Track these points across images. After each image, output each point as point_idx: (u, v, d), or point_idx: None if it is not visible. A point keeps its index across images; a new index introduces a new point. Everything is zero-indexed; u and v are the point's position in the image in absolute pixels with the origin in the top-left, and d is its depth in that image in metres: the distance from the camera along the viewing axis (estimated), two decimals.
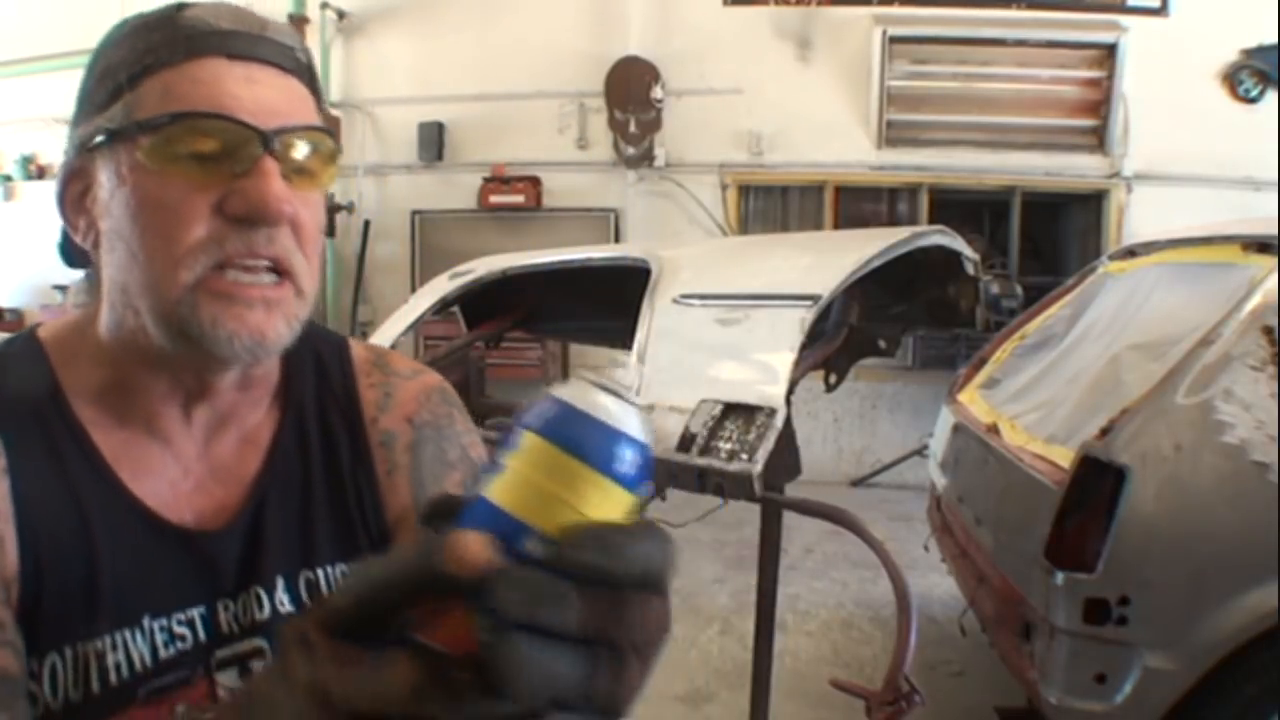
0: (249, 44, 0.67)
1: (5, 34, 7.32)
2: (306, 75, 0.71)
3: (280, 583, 0.75)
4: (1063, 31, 6.36)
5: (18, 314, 7.36)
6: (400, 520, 0.81)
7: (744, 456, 1.84)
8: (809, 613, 4.01)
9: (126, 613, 0.68)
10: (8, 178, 7.68)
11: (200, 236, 0.64)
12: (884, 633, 3.74)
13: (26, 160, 7.60)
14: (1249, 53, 6.25)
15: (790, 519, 2.64)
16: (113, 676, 0.66)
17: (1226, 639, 2.05)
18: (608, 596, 0.37)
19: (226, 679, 0.72)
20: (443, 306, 2.88)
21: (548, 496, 0.38)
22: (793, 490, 2.17)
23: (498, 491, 0.38)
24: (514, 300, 3.12)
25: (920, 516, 3.92)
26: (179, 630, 0.70)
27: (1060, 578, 2.12)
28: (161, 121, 0.64)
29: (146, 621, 0.69)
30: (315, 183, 0.70)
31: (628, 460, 0.39)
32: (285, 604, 0.75)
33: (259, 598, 0.74)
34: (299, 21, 6.60)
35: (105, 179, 0.67)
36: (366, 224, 6.96)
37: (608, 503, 0.38)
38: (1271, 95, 6.23)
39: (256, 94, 0.66)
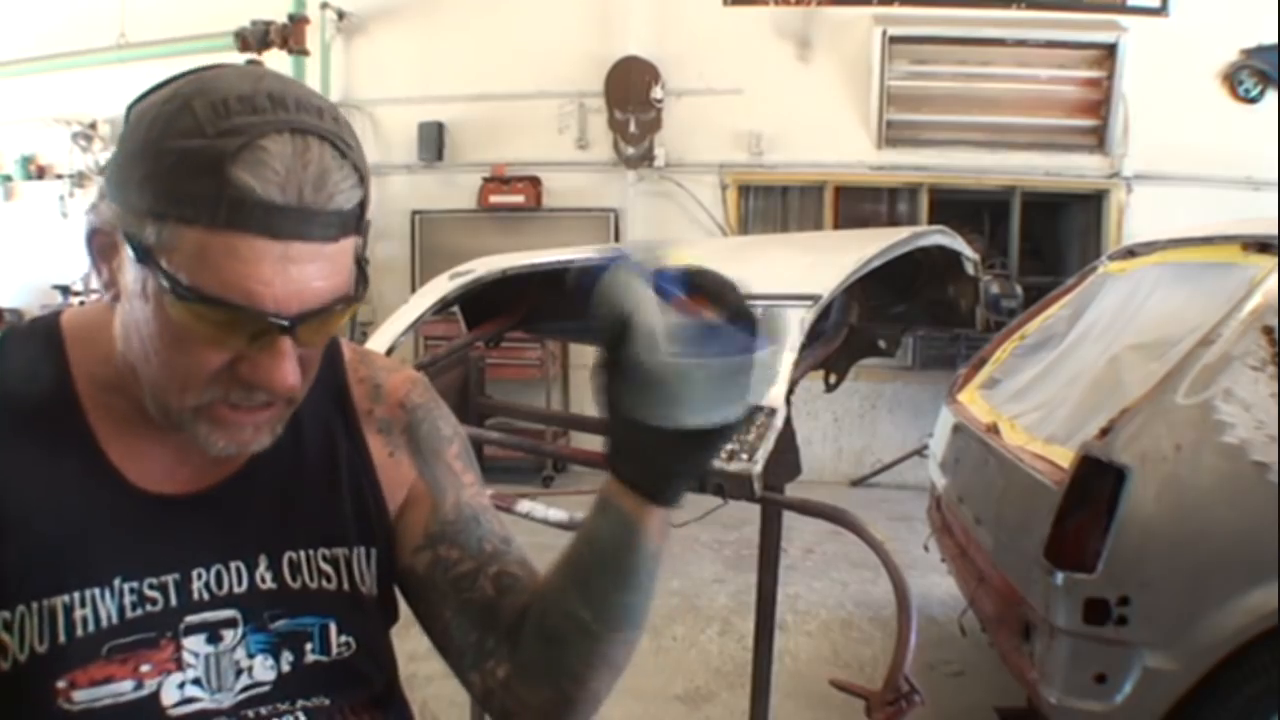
0: (296, 223, 0.64)
1: (5, 34, 7.32)
2: (354, 220, 0.69)
3: (263, 559, 0.78)
4: (1063, 31, 6.35)
5: (18, 314, 7.35)
6: (411, 495, 0.86)
7: (744, 456, 1.84)
8: (809, 613, 4.01)
9: (97, 572, 0.72)
10: (8, 178, 7.68)
11: (208, 382, 0.69)
12: (884, 633, 3.73)
13: (26, 160, 7.60)
14: (1249, 53, 6.25)
15: (790, 519, 2.64)
16: (79, 630, 0.70)
17: (1226, 639, 2.05)
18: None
19: (193, 644, 0.74)
20: (443, 306, 2.88)
21: (680, 259, 0.70)
22: (793, 490, 2.16)
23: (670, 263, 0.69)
24: (514, 300, 3.12)
25: (920, 516, 3.92)
26: (150, 594, 0.73)
27: (1060, 578, 2.12)
28: (187, 295, 0.64)
29: (118, 582, 0.72)
30: (333, 332, 0.73)
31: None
32: (267, 580, 0.78)
33: (238, 571, 0.77)
34: (299, 21, 6.60)
35: (130, 271, 0.68)
36: (367, 224, 6.95)
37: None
38: (1271, 95, 6.23)
39: (290, 277, 0.65)
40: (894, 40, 6.44)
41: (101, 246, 0.70)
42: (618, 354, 0.66)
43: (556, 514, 2.16)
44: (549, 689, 0.80)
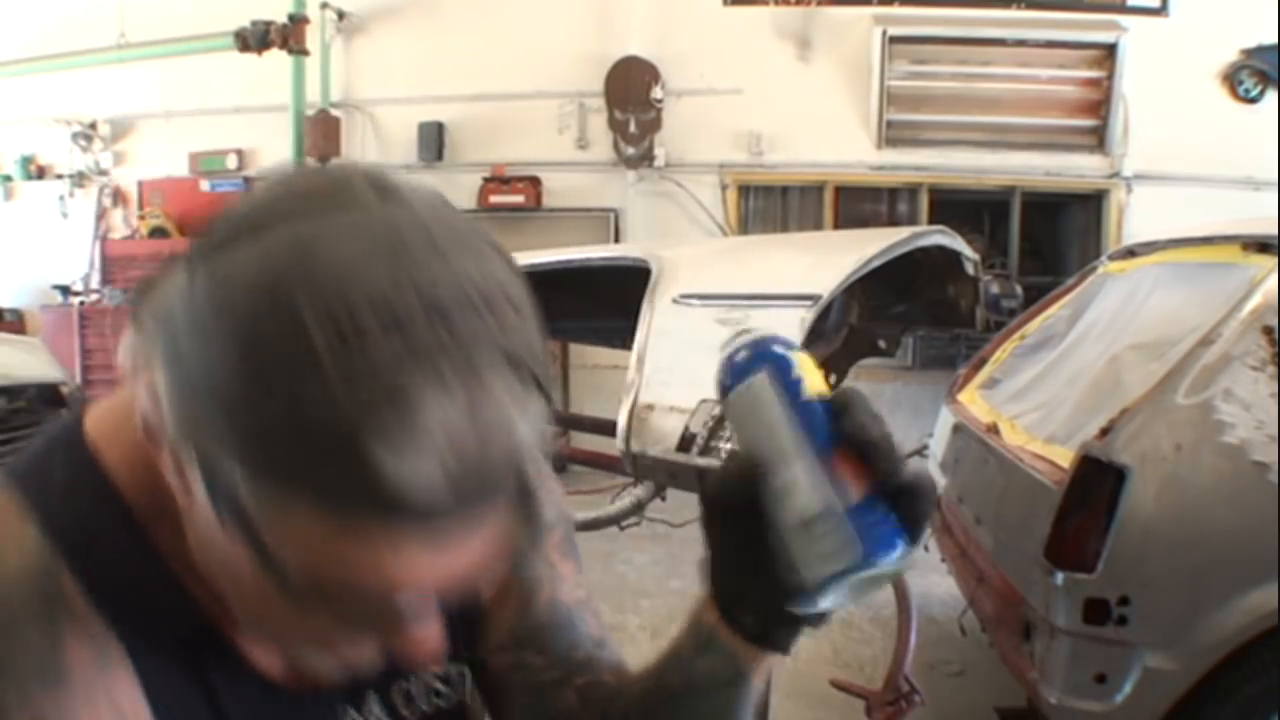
0: (461, 523, 0.47)
1: (5, 34, 7.32)
2: (510, 491, 0.50)
3: (373, 698, 0.69)
4: (1063, 31, 6.36)
5: (18, 314, 7.36)
6: (502, 592, 0.74)
7: None
8: None
9: None
10: (8, 178, 7.68)
11: (315, 649, 0.57)
12: (884, 633, 3.73)
13: (26, 160, 7.60)
14: (1249, 53, 6.25)
15: None
16: None
17: (1226, 639, 2.05)
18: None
19: None
20: None
21: (815, 382, 0.56)
22: None
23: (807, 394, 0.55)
24: None
25: None
26: None
27: (1060, 578, 2.11)
28: (299, 590, 0.47)
29: None
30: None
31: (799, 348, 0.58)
32: (379, 716, 0.69)
33: (347, 716, 0.68)
34: (299, 21, 6.60)
35: (202, 492, 0.48)
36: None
37: (814, 368, 0.57)
38: (1271, 95, 6.23)
39: (436, 573, 0.48)
40: (894, 40, 6.44)
41: (155, 435, 0.50)
42: (744, 499, 0.56)
43: None
44: None
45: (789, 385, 0.55)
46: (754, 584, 0.60)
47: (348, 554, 0.45)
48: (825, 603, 0.58)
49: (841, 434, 0.54)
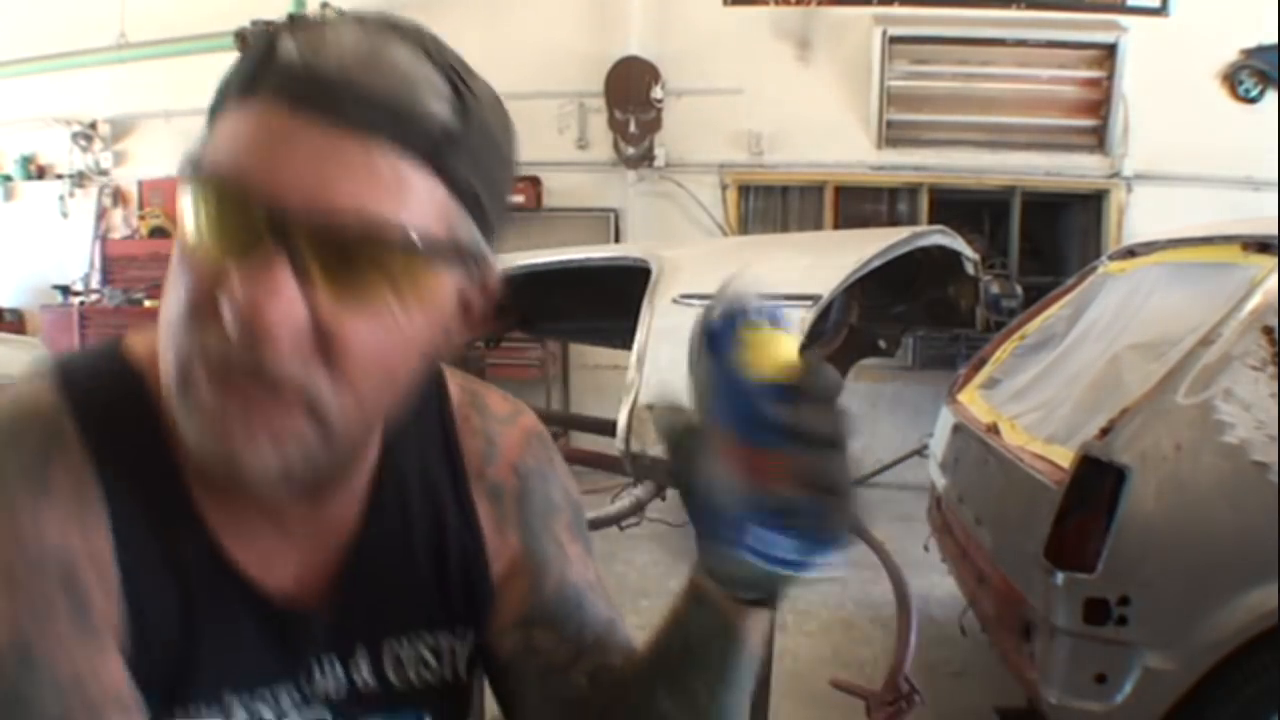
0: (323, 91, 0.50)
1: (5, 34, 7.32)
2: (423, 139, 0.52)
3: (362, 652, 0.68)
4: (1063, 31, 6.35)
5: (18, 314, 7.36)
6: (509, 569, 0.74)
7: None
8: (809, 613, 4.01)
9: (219, 690, 0.62)
10: (8, 178, 7.68)
11: (190, 319, 0.53)
12: (884, 633, 3.73)
13: (26, 160, 7.60)
14: (1249, 53, 6.25)
15: None
16: None
17: (1226, 639, 2.05)
18: (831, 403, 0.53)
19: None
20: None
21: (766, 360, 0.53)
22: None
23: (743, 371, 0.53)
24: (514, 300, 3.12)
25: (920, 516, 3.91)
26: (259, 708, 0.63)
27: (1060, 578, 2.12)
28: (186, 175, 0.53)
29: (230, 699, 0.62)
30: (378, 291, 0.53)
31: (781, 319, 0.54)
32: (365, 675, 0.68)
33: (334, 667, 0.67)
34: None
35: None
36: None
37: (791, 348, 0.54)
38: (1271, 95, 6.23)
39: (298, 163, 0.50)
40: (894, 40, 6.44)
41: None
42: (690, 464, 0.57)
43: None
44: None
45: (728, 367, 0.53)
46: (725, 573, 0.61)
47: (229, 132, 0.52)
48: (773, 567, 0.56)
49: (767, 421, 0.53)
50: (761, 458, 0.53)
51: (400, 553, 0.70)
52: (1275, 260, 2.25)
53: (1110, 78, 6.34)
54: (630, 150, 6.71)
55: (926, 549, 3.46)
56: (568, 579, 0.75)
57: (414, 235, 0.52)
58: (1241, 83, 6.30)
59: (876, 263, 2.18)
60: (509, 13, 6.72)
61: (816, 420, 0.53)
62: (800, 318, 2.02)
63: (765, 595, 0.63)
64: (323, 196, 0.50)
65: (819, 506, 0.54)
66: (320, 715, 0.66)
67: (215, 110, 0.54)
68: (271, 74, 0.51)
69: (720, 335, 0.53)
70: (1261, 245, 2.38)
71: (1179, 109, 6.16)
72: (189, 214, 0.52)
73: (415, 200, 0.52)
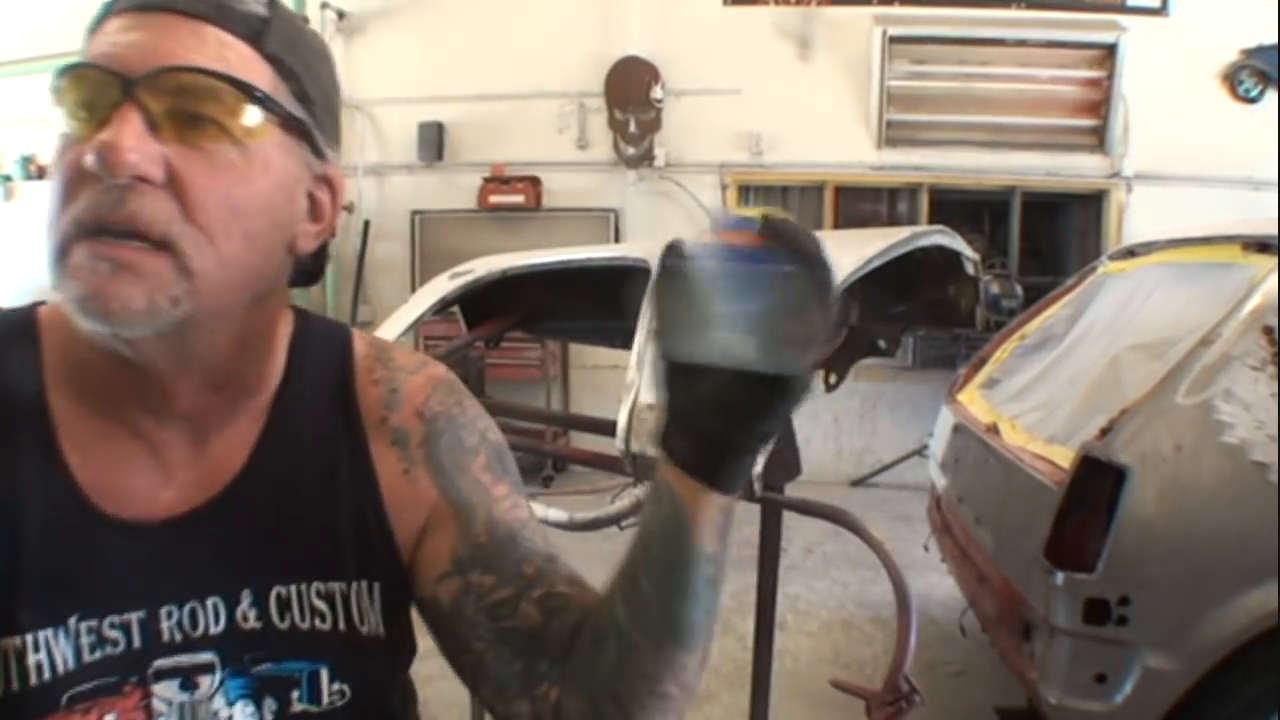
0: (150, 15, 0.62)
1: (5, 34, 7.32)
2: (245, 25, 0.64)
3: (247, 595, 0.68)
4: (1063, 31, 6.35)
5: None
6: (432, 517, 0.75)
7: None
8: (809, 613, 4.01)
9: (54, 610, 0.63)
10: (8, 178, 7.68)
11: (65, 199, 0.60)
12: (884, 633, 3.73)
13: (26, 160, 7.60)
14: (1249, 53, 6.25)
15: (790, 519, 2.63)
16: (33, 677, 0.62)
17: (1226, 639, 2.05)
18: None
19: (165, 690, 0.65)
20: (443, 306, 2.88)
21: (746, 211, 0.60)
22: (793, 490, 2.17)
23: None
24: (514, 300, 3.12)
25: (920, 516, 3.92)
26: (110, 634, 0.64)
27: (1060, 578, 2.11)
28: (54, 75, 0.61)
29: (74, 622, 0.63)
30: (222, 139, 0.62)
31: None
32: (250, 618, 0.68)
33: (216, 608, 0.67)
34: None
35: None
36: (366, 224, 6.96)
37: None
38: (1271, 95, 6.23)
39: (141, 41, 0.61)
40: (894, 40, 6.44)
41: None
42: (667, 284, 0.60)
43: (556, 514, 2.16)
44: (587, 703, 0.71)
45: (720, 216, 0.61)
46: (679, 392, 0.62)
47: (92, 44, 0.62)
48: (752, 355, 0.58)
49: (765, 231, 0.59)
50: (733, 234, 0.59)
51: (286, 499, 0.71)
52: (1275, 260, 2.25)
53: (1110, 78, 6.34)
54: (630, 150, 6.71)
55: (926, 549, 3.46)
56: (495, 517, 0.76)
57: (238, 82, 0.62)
58: (1241, 83, 6.30)
59: (876, 263, 2.18)
60: (509, 13, 6.72)
61: (780, 222, 0.59)
62: None
63: (720, 451, 0.64)
64: (161, 60, 0.60)
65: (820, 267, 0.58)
66: (203, 657, 0.66)
67: (86, 41, 0.64)
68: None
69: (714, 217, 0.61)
70: (1261, 245, 2.38)
71: (1179, 109, 6.16)
72: (60, 111, 0.61)
73: (238, 60, 0.63)
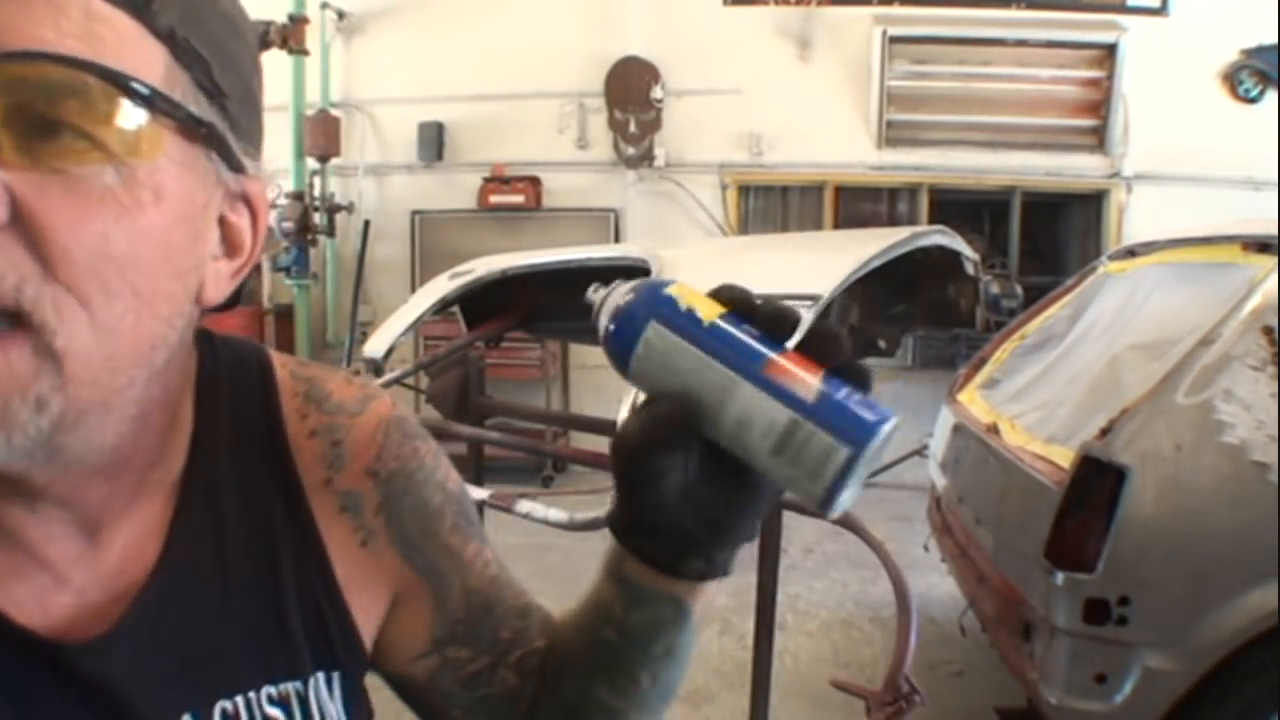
0: None
1: None
2: (140, 3, 0.44)
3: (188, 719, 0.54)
4: (1063, 31, 6.35)
5: None
6: (403, 594, 0.65)
7: None
8: (809, 613, 4.01)
9: None
10: None
11: None
12: (884, 633, 3.73)
13: None
14: (1249, 53, 6.25)
15: (790, 519, 2.63)
16: None
17: (1226, 639, 2.05)
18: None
19: None
20: (443, 306, 2.89)
21: (701, 303, 0.52)
22: None
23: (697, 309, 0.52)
24: (514, 300, 3.13)
25: (920, 516, 3.92)
26: None
27: (1060, 578, 2.11)
28: None
29: None
30: (81, 152, 0.42)
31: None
32: None
33: None
34: (299, 21, 6.60)
35: None
36: (366, 224, 6.96)
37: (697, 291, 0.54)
38: (1271, 95, 6.23)
39: None
40: (894, 40, 6.44)
41: None
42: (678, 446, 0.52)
43: (556, 514, 2.16)
44: None
45: (685, 322, 0.51)
46: (695, 529, 0.55)
47: None
48: (842, 504, 0.54)
49: (769, 339, 0.51)
50: (785, 365, 0.51)
51: (217, 590, 0.56)
52: (1275, 260, 2.25)
53: (1110, 78, 6.34)
54: (630, 150, 6.71)
55: (926, 549, 3.46)
56: (471, 586, 0.67)
57: (111, 73, 0.42)
58: (1241, 83, 6.29)
59: (876, 263, 2.19)
60: (509, 13, 6.72)
61: (794, 312, 0.52)
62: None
63: (720, 564, 0.59)
64: (12, 38, 0.40)
65: (862, 367, 0.53)
66: None
67: None
68: None
69: (663, 306, 0.52)
70: (1261, 245, 2.38)
71: (1179, 109, 6.16)
72: None
73: (114, 40, 0.43)
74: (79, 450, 0.47)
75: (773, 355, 0.50)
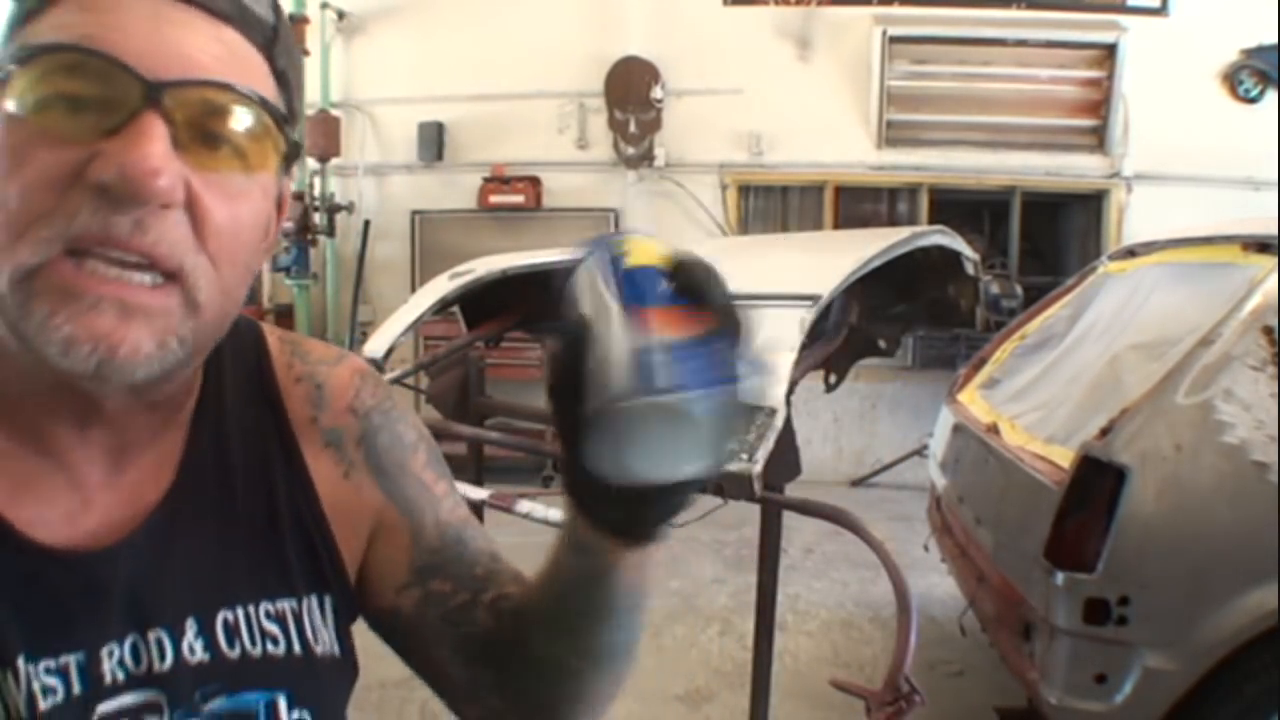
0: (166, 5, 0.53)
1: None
2: (260, 32, 0.57)
3: (192, 626, 0.61)
4: (1063, 31, 6.36)
5: None
6: (381, 523, 0.71)
7: (744, 456, 1.84)
8: (809, 613, 4.01)
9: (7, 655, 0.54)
10: None
11: (48, 207, 0.50)
12: (884, 633, 3.74)
13: None
14: (1249, 53, 6.25)
15: (790, 519, 2.64)
16: None
17: (1226, 639, 2.05)
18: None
19: None
20: (443, 306, 2.88)
21: (647, 254, 0.55)
22: (793, 490, 2.17)
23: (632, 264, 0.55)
24: (514, 300, 3.13)
25: (920, 516, 3.92)
26: (48, 680, 0.55)
27: (1060, 578, 2.12)
28: (29, 53, 0.51)
29: (21, 663, 0.55)
30: (237, 163, 0.55)
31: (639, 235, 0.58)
32: (197, 650, 0.61)
33: (159, 643, 0.59)
34: (299, 22, 6.60)
35: None
36: (366, 224, 6.96)
37: (656, 246, 0.56)
38: (1271, 95, 6.23)
39: (159, 35, 0.52)
40: (894, 40, 6.44)
41: None
42: (571, 386, 0.55)
43: (556, 514, 2.16)
44: (527, 712, 0.73)
45: (608, 260, 0.55)
46: (589, 483, 0.58)
47: (77, 14, 0.51)
48: (664, 471, 0.55)
49: (673, 291, 0.54)
50: (659, 314, 0.54)
51: (222, 515, 0.64)
52: (1275, 260, 2.25)
53: (1110, 78, 6.34)
54: (630, 150, 6.71)
55: (926, 549, 3.46)
56: (443, 519, 0.73)
57: (260, 99, 0.56)
58: (1241, 83, 6.30)
59: (876, 263, 2.19)
60: (509, 13, 6.72)
61: (711, 276, 0.55)
62: (800, 318, 2.02)
63: (640, 528, 0.61)
64: (186, 66, 0.52)
65: (716, 344, 0.54)
66: (150, 696, 0.58)
67: (30, 4, 0.54)
68: None
69: (601, 248, 0.56)
70: (1261, 245, 2.38)
71: (1179, 109, 6.16)
72: (35, 99, 0.51)
73: (260, 76, 0.57)
74: (169, 383, 0.58)
75: (652, 306, 0.54)
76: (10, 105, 0.51)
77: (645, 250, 0.56)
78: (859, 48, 6.50)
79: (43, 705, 0.54)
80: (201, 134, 0.53)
